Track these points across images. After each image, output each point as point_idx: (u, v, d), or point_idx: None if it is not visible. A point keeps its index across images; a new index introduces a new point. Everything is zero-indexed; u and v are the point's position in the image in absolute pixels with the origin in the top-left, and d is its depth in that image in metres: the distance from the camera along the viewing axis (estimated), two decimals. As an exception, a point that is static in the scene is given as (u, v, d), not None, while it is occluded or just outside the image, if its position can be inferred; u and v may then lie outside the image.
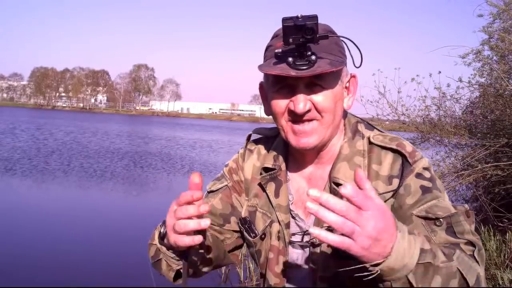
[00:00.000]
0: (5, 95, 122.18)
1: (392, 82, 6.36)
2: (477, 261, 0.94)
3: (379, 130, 1.16)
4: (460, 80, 6.02)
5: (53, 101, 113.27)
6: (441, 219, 0.99)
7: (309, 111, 1.05)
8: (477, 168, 5.70)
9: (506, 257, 4.40)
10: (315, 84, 1.04)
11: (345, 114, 1.18)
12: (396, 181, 1.06)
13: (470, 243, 0.97)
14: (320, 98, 1.04)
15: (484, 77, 6.43)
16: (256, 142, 1.31)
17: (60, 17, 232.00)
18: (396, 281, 0.83)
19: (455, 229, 0.99)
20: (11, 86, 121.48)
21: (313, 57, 0.98)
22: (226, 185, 1.27)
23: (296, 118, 1.06)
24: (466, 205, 1.06)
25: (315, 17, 0.95)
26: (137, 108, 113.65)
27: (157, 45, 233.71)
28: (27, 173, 10.71)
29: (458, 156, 6.58)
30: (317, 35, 0.95)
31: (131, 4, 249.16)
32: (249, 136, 1.32)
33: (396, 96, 6.70)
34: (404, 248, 0.81)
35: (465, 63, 6.18)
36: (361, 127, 1.17)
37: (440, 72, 6.14)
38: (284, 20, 0.96)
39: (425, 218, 1.00)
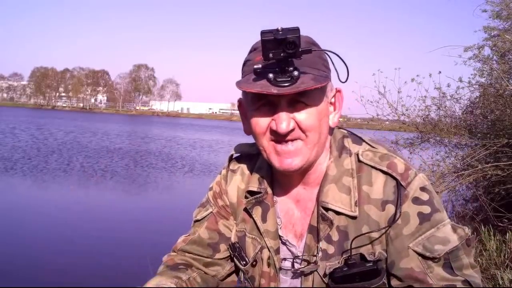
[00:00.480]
0: (5, 95, 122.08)
1: (392, 82, 6.36)
2: None
3: (368, 144, 1.09)
4: (460, 80, 6.02)
5: (53, 101, 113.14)
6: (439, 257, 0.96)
7: (292, 130, 0.97)
8: (477, 168, 5.69)
9: (506, 257, 4.39)
10: (298, 101, 0.97)
11: (331, 130, 1.11)
12: (390, 208, 1.00)
13: (467, 283, 0.95)
14: (303, 116, 0.97)
15: (484, 77, 6.43)
16: (239, 160, 1.23)
17: (60, 17, 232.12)
18: None
19: (453, 265, 0.96)
20: (11, 86, 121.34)
21: (296, 73, 0.90)
22: (211, 211, 1.22)
23: (279, 138, 0.98)
24: (466, 229, 1.00)
25: (297, 30, 0.87)
26: (137, 108, 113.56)
27: (157, 45, 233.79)
28: (27, 173, 10.71)
29: (458, 156, 6.57)
30: (300, 49, 0.88)
31: (131, 4, 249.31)
32: (231, 156, 1.25)
33: (396, 96, 6.71)
34: None
35: (465, 63, 6.18)
36: (348, 142, 1.09)
37: (440, 72, 6.14)
38: (263, 33, 0.88)
39: (422, 256, 0.96)
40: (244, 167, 1.20)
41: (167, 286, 1.06)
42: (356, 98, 6.53)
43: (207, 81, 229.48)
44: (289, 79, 0.91)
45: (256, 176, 1.15)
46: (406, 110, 6.61)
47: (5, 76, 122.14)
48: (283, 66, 0.90)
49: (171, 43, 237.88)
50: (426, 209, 0.98)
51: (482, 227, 5.00)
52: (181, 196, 9.54)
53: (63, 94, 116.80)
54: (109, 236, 6.20)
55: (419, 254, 0.97)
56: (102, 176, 11.00)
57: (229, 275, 1.25)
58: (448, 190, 6.21)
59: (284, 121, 0.96)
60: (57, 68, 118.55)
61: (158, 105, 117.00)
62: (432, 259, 0.96)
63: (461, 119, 6.87)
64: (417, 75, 6.24)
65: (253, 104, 1.01)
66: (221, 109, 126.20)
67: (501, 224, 5.18)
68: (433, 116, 6.74)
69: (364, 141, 1.10)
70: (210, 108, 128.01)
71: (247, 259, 1.15)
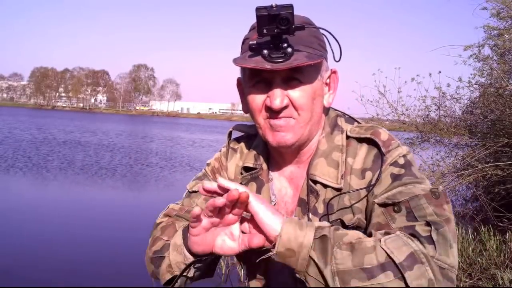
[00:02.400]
0: (5, 95, 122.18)
1: (392, 82, 6.38)
2: (433, 241, 0.85)
3: (360, 123, 1.10)
4: (460, 80, 6.02)
5: (53, 101, 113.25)
6: (400, 205, 0.92)
7: (286, 107, 0.99)
8: (477, 168, 5.70)
9: (506, 257, 4.39)
10: (293, 78, 0.98)
11: (327, 110, 1.12)
12: (369, 174, 1.01)
13: (427, 224, 0.88)
14: (297, 93, 0.99)
15: (484, 77, 6.44)
16: (238, 140, 1.25)
17: (60, 17, 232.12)
18: (307, 268, 0.85)
19: (415, 214, 0.90)
20: (11, 86, 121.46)
21: (289, 50, 0.93)
22: None
23: (273, 114, 1.00)
24: (440, 187, 0.94)
25: (290, 7, 0.89)
26: (137, 108, 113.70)
27: (157, 45, 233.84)
28: (27, 172, 10.72)
29: (458, 156, 6.58)
30: (293, 26, 0.90)
31: (131, 4, 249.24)
32: (230, 133, 1.26)
33: (396, 96, 6.73)
34: (293, 228, 0.85)
35: (465, 62, 6.17)
36: (341, 121, 1.11)
37: (440, 72, 6.15)
38: (258, 9, 0.90)
39: (384, 205, 0.94)
40: (243, 146, 1.22)
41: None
42: (356, 97, 6.54)
43: (207, 81, 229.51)
44: (283, 55, 0.92)
45: (252, 153, 1.18)
46: (406, 110, 6.63)
47: (5, 76, 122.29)
48: (277, 42, 0.92)
49: (171, 43, 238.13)
50: (400, 171, 0.97)
51: (482, 227, 5.01)
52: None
53: (63, 94, 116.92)
54: (108, 234, 6.20)
55: (381, 205, 0.95)
56: (101, 176, 11.00)
57: None
58: (448, 190, 6.21)
59: (278, 97, 0.97)
60: (57, 68, 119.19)
61: (158, 105, 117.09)
62: (393, 207, 0.93)
63: (461, 119, 6.87)
64: (417, 75, 6.25)
65: (249, 81, 1.03)
66: (221, 109, 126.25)
67: (501, 224, 5.18)
68: (433, 116, 6.75)
69: (356, 121, 1.12)
70: (210, 108, 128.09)
71: None
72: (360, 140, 1.05)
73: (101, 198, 8.96)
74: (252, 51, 0.96)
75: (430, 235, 0.86)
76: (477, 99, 6.88)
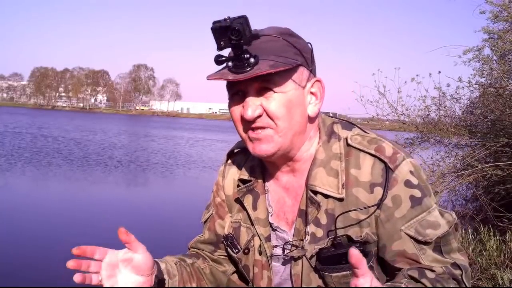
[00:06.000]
0: (5, 95, 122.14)
1: (392, 82, 6.36)
2: (465, 284, 0.98)
3: (359, 129, 1.11)
4: (460, 80, 6.02)
5: (53, 101, 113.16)
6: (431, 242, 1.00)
7: (259, 117, 0.99)
8: (477, 168, 5.69)
9: (506, 257, 4.39)
10: (265, 88, 0.99)
11: (316, 120, 1.11)
12: (379, 190, 1.01)
13: (456, 265, 1.00)
14: (270, 103, 0.99)
15: (484, 77, 6.43)
16: (236, 154, 1.27)
17: (60, 17, 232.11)
18: None
19: (442, 249, 1.01)
20: (11, 86, 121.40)
21: (252, 60, 0.93)
22: (211, 213, 1.27)
23: (248, 125, 1.01)
24: (453, 214, 1.04)
25: (242, 17, 0.91)
26: (137, 108, 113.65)
27: (157, 45, 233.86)
28: (27, 171, 10.72)
29: (458, 156, 6.57)
30: (248, 36, 0.92)
31: (132, 4, 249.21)
32: (230, 152, 1.28)
33: (396, 96, 6.68)
34: None
35: (465, 63, 6.17)
36: (337, 128, 1.11)
37: (440, 72, 6.14)
38: (213, 23, 0.92)
39: (415, 239, 0.99)
40: (239, 159, 1.24)
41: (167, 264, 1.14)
42: (356, 98, 6.53)
43: (207, 81, 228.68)
44: (245, 65, 0.94)
45: (247, 165, 1.19)
46: (406, 110, 6.62)
47: (5, 76, 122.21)
48: (238, 53, 0.94)
49: (171, 43, 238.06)
50: (417, 193, 1.00)
51: (482, 227, 5.00)
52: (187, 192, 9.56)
53: (63, 94, 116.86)
54: (107, 233, 6.18)
55: (412, 238, 0.99)
56: (100, 175, 11.01)
57: (236, 272, 1.29)
58: (448, 190, 6.21)
59: (249, 107, 0.99)
60: (57, 68, 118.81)
61: (158, 105, 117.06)
62: (424, 243, 0.99)
63: (461, 119, 6.87)
64: (417, 75, 6.24)
65: (228, 93, 1.06)
66: (221, 109, 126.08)
67: (501, 224, 5.17)
68: (433, 116, 6.74)
69: (354, 125, 1.12)
70: (210, 108, 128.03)
71: (239, 247, 1.17)
72: (363, 151, 1.05)
73: (101, 196, 8.96)
74: (219, 64, 0.99)
75: (462, 278, 0.99)
76: (477, 99, 6.88)
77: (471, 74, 6.30)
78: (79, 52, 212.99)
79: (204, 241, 1.28)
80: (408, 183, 1.00)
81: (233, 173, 1.23)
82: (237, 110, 1.03)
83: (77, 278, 0.91)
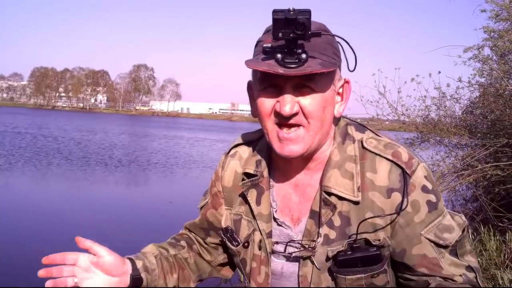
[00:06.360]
0: (5, 95, 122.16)
1: (392, 82, 6.37)
2: (479, 285, 1.02)
3: (371, 132, 1.09)
4: (460, 80, 6.02)
5: (53, 101, 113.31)
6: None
7: (295, 114, 0.97)
8: (477, 168, 5.69)
9: (506, 257, 4.39)
10: (304, 85, 0.96)
11: (337, 121, 1.10)
12: (396, 195, 1.00)
13: (470, 268, 1.03)
14: (308, 101, 0.96)
15: (484, 77, 6.43)
16: (238, 146, 1.24)
17: (60, 17, 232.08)
18: None
19: (458, 252, 1.04)
20: (11, 86, 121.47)
21: (304, 56, 0.90)
22: (207, 201, 1.28)
23: (282, 121, 0.98)
24: (463, 216, 1.07)
25: (308, 12, 0.87)
26: (137, 108, 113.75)
27: (157, 45, 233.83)
28: (27, 171, 10.72)
29: (458, 156, 6.57)
30: (309, 32, 0.88)
31: (131, 4, 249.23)
32: (235, 145, 1.25)
33: (396, 96, 6.70)
34: None
35: (465, 63, 6.17)
36: (351, 129, 1.09)
37: (440, 72, 6.16)
38: (275, 12, 0.88)
39: (435, 243, 1.01)
40: (242, 151, 1.21)
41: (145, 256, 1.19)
42: (356, 98, 6.53)
43: (207, 81, 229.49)
44: (297, 61, 0.90)
45: (254, 159, 1.16)
46: (406, 110, 6.63)
47: (5, 76, 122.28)
48: (292, 47, 0.90)
49: (171, 43, 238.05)
50: (433, 198, 1.01)
51: (482, 227, 5.00)
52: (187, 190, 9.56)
53: (63, 94, 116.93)
54: (107, 232, 6.19)
55: (432, 242, 1.01)
56: (100, 175, 11.00)
57: (223, 264, 1.31)
58: (448, 190, 6.21)
59: (288, 103, 0.95)
60: (57, 68, 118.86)
61: (158, 105, 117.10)
62: (444, 246, 1.02)
63: (461, 119, 6.87)
64: (417, 75, 6.25)
65: (260, 85, 1.00)
66: (221, 109, 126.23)
67: (501, 224, 5.17)
68: (433, 116, 6.75)
69: (367, 129, 1.11)
70: (210, 108, 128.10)
71: (239, 240, 1.16)
72: (379, 155, 1.03)
73: (101, 196, 8.96)
74: (265, 54, 0.94)
75: (477, 280, 1.03)
76: (477, 99, 6.88)
77: (471, 74, 6.30)
78: (79, 52, 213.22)
79: (197, 226, 1.30)
80: (424, 188, 1.01)
81: (235, 165, 1.20)
82: (269, 103, 0.99)
83: (48, 284, 0.97)
